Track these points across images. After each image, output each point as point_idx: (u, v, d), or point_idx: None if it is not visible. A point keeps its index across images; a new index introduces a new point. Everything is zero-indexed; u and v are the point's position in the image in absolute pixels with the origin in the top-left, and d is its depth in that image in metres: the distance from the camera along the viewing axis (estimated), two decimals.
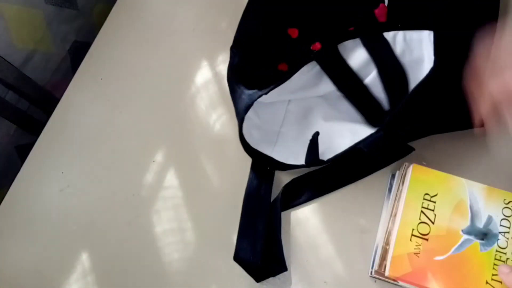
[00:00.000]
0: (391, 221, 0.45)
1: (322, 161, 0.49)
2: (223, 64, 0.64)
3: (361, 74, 0.51)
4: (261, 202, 0.51)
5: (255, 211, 0.51)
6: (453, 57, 0.46)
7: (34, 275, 0.55)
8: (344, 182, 0.51)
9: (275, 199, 0.51)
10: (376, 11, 0.51)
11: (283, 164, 0.52)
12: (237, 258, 0.48)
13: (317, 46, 0.54)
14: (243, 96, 0.48)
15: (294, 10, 0.56)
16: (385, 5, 0.51)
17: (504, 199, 0.42)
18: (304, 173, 0.52)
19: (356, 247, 0.48)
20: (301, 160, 0.51)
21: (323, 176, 0.52)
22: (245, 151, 0.51)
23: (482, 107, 0.37)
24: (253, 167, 0.54)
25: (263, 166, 0.53)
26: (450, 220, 0.41)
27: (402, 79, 0.50)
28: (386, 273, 0.41)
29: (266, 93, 0.47)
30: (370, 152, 0.45)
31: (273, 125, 0.56)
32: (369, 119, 0.52)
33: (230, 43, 0.57)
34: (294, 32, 0.56)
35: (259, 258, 0.47)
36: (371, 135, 0.46)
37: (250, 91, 0.48)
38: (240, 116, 0.48)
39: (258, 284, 0.48)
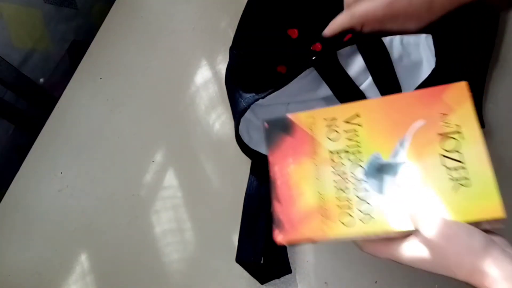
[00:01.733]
0: None
1: None
2: (222, 64, 0.64)
3: (358, 79, 0.52)
4: (262, 203, 0.51)
5: (255, 212, 0.51)
6: (452, 59, 0.45)
7: (33, 276, 0.55)
8: None
9: None
10: None
11: None
12: (239, 260, 0.48)
13: (318, 46, 0.53)
14: (240, 99, 0.48)
15: (294, 11, 0.56)
16: None
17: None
18: None
19: (357, 247, 0.48)
20: None
21: None
22: (243, 152, 0.51)
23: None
24: (253, 168, 0.54)
25: (263, 167, 0.53)
26: None
27: (396, 86, 0.50)
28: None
29: (263, 97, 0.46)
30: None
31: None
32: None
33: (230, 42, 0.56)
34: (294, 33, 0.56)
35: (260, 259, 0.47)
36: None
37: (247, 95, 0.48)
38: (236, 120, 0.48)
39: (258, 284, 0.48)
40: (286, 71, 0.55)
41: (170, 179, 0.57)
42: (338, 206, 0.33)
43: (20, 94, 0.70)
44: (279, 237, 0.34)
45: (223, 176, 0.56)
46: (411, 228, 0.30)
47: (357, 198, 0.32)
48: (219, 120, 0.60)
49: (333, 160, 0.34)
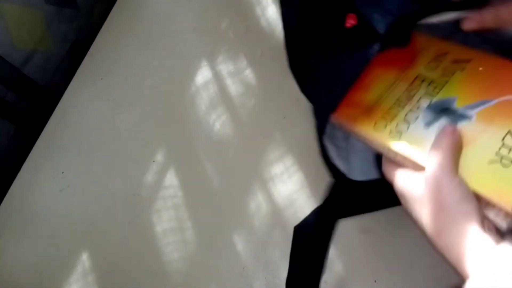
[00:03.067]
0: None
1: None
2: (223, 64, 0.64)
3: None
4: (319, 247, 0.43)
5: (311, 257, 0.43)
6: None
7: (34, 275, 0.56)
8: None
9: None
10: None
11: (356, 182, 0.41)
12: None
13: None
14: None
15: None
16: None
17: None
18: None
19: (357, 247, 0.48)
20: (369, 174, 0.41)
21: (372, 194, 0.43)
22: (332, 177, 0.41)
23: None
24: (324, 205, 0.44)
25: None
26: None
27: None
28: None
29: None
30: None
31: (340, 141, 0.46)
32: None
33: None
34: (352, 18, 0.45)
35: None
36: None
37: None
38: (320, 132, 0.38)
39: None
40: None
41: (171, 178, 0.57)
42: (383, 114, 0.34)
43: (22, 95, 0.71)
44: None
45: (223, 176, 0.56)
46: (421, 161, 0.30)
47: (404, 118, 0.33)
48: (219, 120, 0.60)
49: (412, 83, 0.36)
